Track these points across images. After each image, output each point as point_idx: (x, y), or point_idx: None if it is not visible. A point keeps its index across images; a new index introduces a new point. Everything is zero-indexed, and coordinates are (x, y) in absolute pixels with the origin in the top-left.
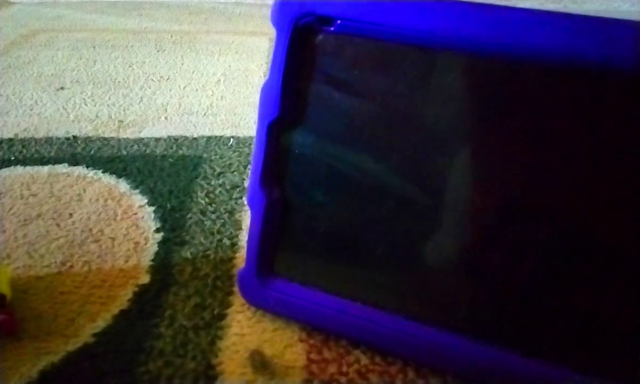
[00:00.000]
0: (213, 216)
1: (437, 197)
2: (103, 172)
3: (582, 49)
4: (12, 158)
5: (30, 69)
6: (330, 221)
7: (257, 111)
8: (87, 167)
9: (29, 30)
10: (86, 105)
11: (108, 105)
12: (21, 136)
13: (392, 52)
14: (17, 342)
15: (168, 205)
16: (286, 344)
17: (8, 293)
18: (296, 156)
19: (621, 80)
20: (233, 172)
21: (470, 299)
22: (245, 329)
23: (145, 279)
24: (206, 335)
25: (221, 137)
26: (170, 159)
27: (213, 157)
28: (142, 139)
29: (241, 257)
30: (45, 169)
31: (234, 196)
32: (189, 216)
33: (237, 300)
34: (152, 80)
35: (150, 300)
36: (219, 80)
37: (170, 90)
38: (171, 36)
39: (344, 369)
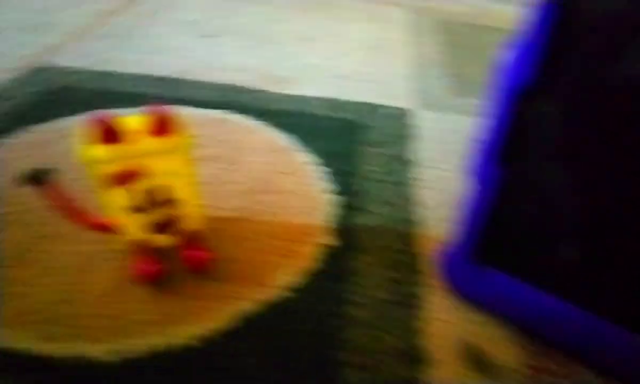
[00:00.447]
0: (383, 186)
1: None
2: (264, 123)
3: None
4: (180, 96)
5: (172, 14)
6: (571, 209)
7: (422, 83)
8: (249, 116)
9: None
10: (232, 55)
11: (255, 58)
12: (174, 76)
13: None
14: (215, 282)
15: (337, 167)
16: (502, 344)
17: (199, 230)
18: (541, 129)
19: None
20: (395, 142)
21: None
22: (445, 315)
23: (327, 240)
24: (405, 313)
25: (378, 105)
26: (329, 121)
27: (372, 124)
28: (299, 96)
29: (422, 235)
30: (212, 112)
31: (400, 168)
32: (360, 182)
33: (427, 280)
34: (299, 39)
35: (337, 263)
36: (364, 47)
37: (318, 51)
38: None
39: None
